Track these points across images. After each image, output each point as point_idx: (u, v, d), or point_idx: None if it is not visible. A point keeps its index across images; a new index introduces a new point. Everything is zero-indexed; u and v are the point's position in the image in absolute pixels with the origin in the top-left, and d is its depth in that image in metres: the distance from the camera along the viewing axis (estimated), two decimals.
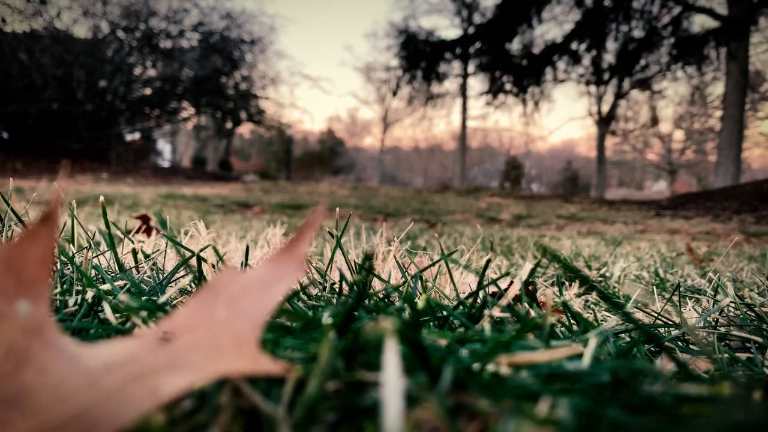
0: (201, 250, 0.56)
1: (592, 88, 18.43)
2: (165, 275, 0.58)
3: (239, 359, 0.22)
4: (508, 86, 16.15)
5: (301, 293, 0.56)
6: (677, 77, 14.65)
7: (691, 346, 0.54)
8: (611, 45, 14.71)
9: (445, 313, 0.47)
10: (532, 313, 0.54)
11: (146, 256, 0.68)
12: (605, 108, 19.22)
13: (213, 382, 0.22)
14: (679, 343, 0.55)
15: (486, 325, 0.41)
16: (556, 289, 0.90)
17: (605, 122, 19.47)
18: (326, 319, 0.34)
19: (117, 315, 0.40)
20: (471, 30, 16.40)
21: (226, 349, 0.22)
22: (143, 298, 0.49)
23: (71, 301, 0.46)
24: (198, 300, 0.25)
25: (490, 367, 0.27)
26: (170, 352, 0.22)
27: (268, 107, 20.97)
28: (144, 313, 0.34)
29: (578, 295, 0.86)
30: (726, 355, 0.51)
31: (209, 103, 17.46)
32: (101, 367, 0.20)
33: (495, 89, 16.23)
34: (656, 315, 0.67)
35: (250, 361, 0.22)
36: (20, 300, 0.20)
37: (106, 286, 0.49)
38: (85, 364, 0.20)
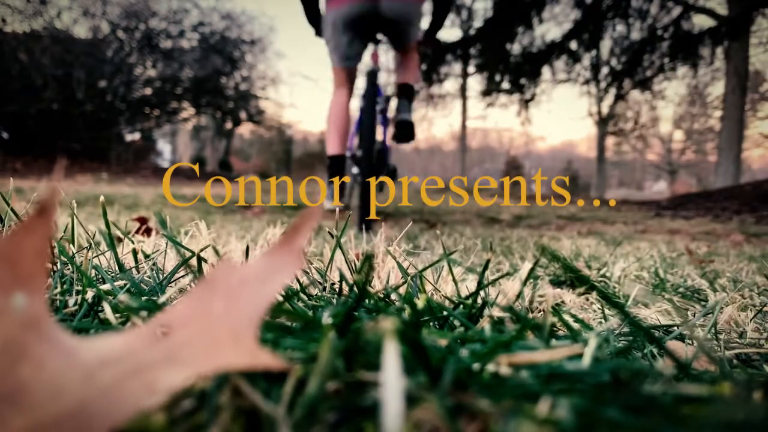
0: (201, 250, 0.56)
1: (592, 88, 18.44)
2: (165, 275, 0.58)
3: (237, 354, 0.22)
4: (506, 86, 16.13)
5: (301, 293, 0.56)
6: (674, 77, 14.63)
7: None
8: (611, 45, 14.74)
9: (445, 313, 0.47)
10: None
11: (146, 256, 0.68)
12: (605, 108, 19.25)
13: (212, 379, 0.22)
14: (680, 342, 0.55)
15: (486, 325, 0.41)
16: (557, 289, 0.91)
17: (605, 122, 19.48)
18: (326, 319, 0.34)
19: (117, 315, 0.40)
20: (471, 30, 16.39)
21: (223, 344, 0.22)
22: (143, 298, 0.49)
23: (71, 301, 0.46)
24: (195, 294, 0.25)
25: (490, 367, 0.27)
26: (167, 346, 0.22)
27: (268, 107, 20.95)
28: (144, 313, 0.34)
29: (579, 295, 0.86)
30: (726, 355, 0.51)
31: (209, 103, 17.44)
32: (98, 362, 0.20)
33: (493, 88, 16.22)
34: (656, 315, 0.67)
35: (249, 355, 0.22)
36: (16, 293, 0.20)
37: (106, 286, 0.49)
38: (81, 358, 0.20)
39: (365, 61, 2.72)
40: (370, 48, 2.68)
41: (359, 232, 2.08)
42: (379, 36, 2.57)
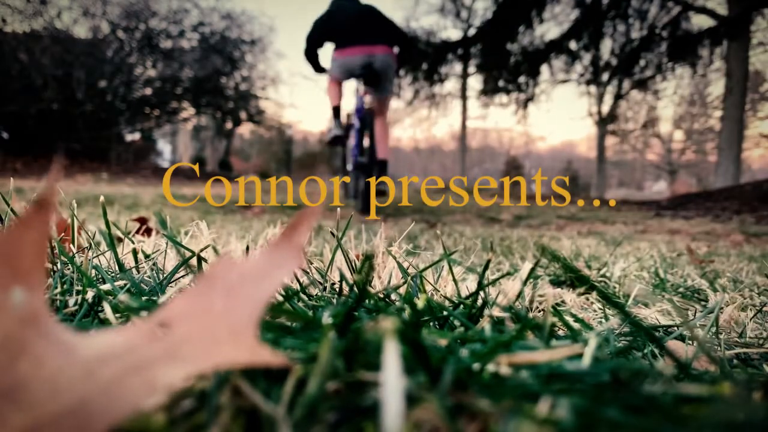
0: (201, 250, 0.56)
1: (592, 88, 18.43)
2: (165, 275, 0.58)
3: (237, 350, 0.22)
4: (504, 85, 16.11)
5: (301, 293, 0.56)
6: (674, 77, 14.65)
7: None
8: (610, 44, 14.74)
9: (445, 313, 0.47)
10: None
11: (146, 256, 0.68)
12: (605, 108, 19.23)
13: (212, 379, 0.22)
14: (680, 342, 0.55)
15: (486, 325, 0.41)
16: (557, 289, 0.91)
17: (605, 122, 19.46)
18: (326, 319, 0.34)
19: (117, 315, 0.40)
20: (471, 31, 16.39)
21: (223, 340, 0.22)
22: (143, 298, 0.49)
23: (71, 301, 0.46)
24: (194, 290, 0.25)
25: (490, 367, 0.27)
26: (166, 343, 0.22)
27: (268, 107, 20.87)
28: (144, 313, 0.34)
29: (579, 295, 0.86)
30: (726, 355, 0.51)
31: (209, 104, 17.42)
32: (97, 358, 0.20)
33: (491, 88, 16.20)
34: (656, 315, 0.67)
35: (248, 352, 0.22)
36: (15, 289, 0.20)
37: (107, 286, 0.49)
38: (80, 355, 0.20)
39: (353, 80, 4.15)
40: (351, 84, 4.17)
41: (356, 205, 3.89)
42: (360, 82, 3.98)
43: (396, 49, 4.04)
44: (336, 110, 4.17)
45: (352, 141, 4.23)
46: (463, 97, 19.98)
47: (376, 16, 3.93)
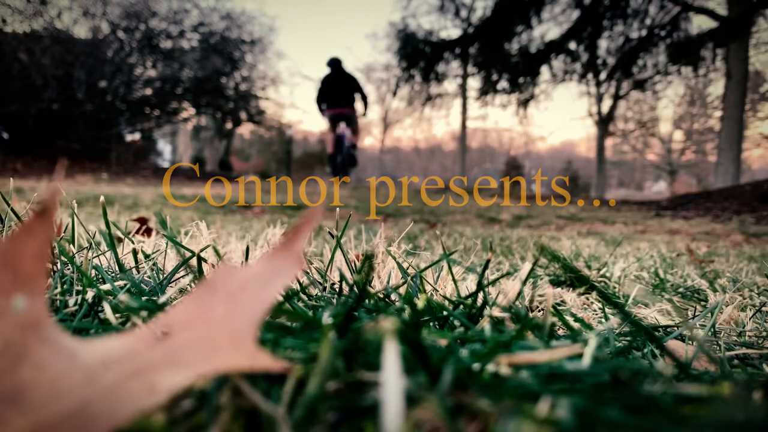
0: (201, 250, 0.56)
1: (592, 89, 18.44)
2: (165, 275, 0.58)
3: (237, 356, 0.22)
4: (504, 85, 16.10)
5: (301, 293, 0.56)
6: (675, 77, 14.67)
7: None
8: (609, 45, 14.74)
9: (445, 313, 0.47)
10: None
11: (146, 257, 0.68)
12: (605, 108, 19.23)
13: (212, 380, 0.22)
14: (680, 342, 0.55)
15: (486, 325, 0.41)
16: (557, 289, 0.91)
17: (605, 122, 19.46)
18: (326, 319, 0.34)
19: (117, 315, 0.40)
20: (470, 30, 16.37)
21: (223, 346, 0.22)
22: (143, 298, 0.49)
23: (71, 301, 0.46)
24: (195, 296, 0.25)
25: (490, 367, 0.27)
26: (167, 348, 0.22)
27: (268, 107, 20.84)
28: (144, 313, 0.34)
29: (579, 295, 0.86)
30: (726, 355, 0.51)
31: (209, 104, 17.41)
32: (98, 363, 0.20)
33: (489, 88, 16.19)
34: (656, 315, 0.67)
35: (248, 357, 0.22)
36: (17, 295, 0.20)
37: (107, 286, 0.49)
38: (82, 360, 0.20)
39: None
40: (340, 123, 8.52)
41: (333, 174, 9.02)
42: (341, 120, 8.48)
43: (359, 103, 8.44)
44: (330, 157, 8.51)
45: (331, 149, 8.53)
46: (463, 97, 19.97)
47: (349, 86, 8.27)
